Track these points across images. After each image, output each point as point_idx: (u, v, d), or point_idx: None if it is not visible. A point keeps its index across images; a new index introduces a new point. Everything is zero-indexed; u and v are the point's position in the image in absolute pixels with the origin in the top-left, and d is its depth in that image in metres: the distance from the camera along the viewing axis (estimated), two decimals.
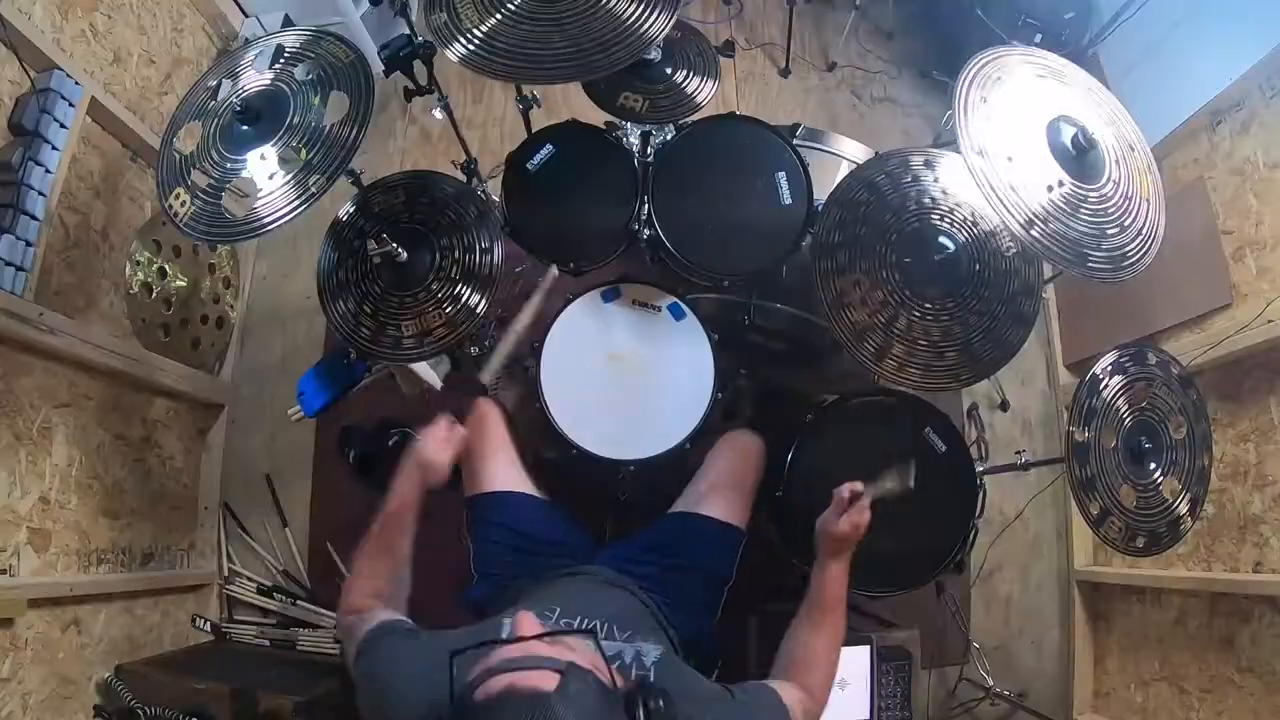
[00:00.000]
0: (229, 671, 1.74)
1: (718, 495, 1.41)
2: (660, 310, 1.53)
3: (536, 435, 1.53)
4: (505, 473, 1.41)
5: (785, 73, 2.66)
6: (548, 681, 0.73)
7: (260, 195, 1.26)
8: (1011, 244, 1.39)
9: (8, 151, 1.52)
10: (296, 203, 1.24)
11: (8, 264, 1.47)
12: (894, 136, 2.61)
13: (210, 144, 1.32)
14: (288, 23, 2.33)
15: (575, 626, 1.02)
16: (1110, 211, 1.29)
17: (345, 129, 1.27)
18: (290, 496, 2.18)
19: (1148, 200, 1.33)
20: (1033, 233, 1.21)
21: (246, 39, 2.30)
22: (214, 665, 1.83)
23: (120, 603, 1.76)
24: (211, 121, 1.34)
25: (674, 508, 1.43)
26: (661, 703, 0.77)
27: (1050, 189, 1.24)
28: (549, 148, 1.54)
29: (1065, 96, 1.34)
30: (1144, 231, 1.31)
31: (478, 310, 1.37)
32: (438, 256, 1.40)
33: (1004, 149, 1.24)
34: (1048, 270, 1.43)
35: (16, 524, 1.50)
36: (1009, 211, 1.20)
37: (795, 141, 1.57)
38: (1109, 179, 1.30)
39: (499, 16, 1.28)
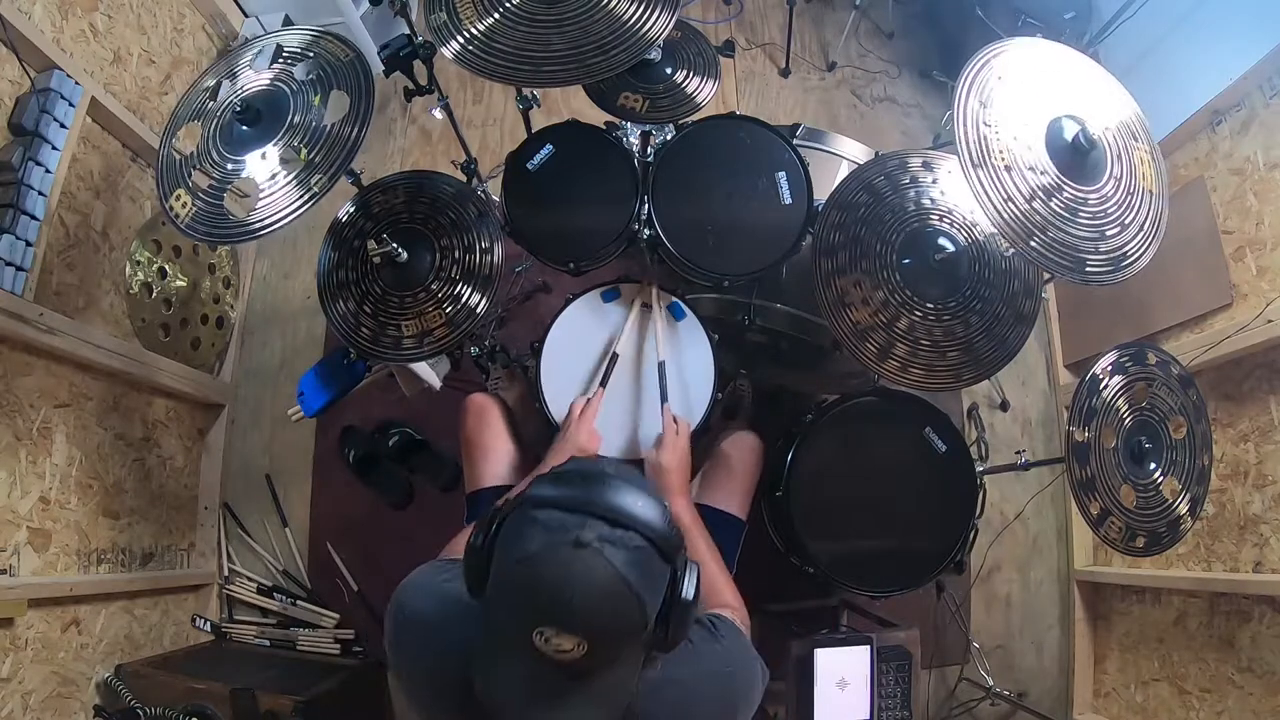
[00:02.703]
0: (229, 671, 1.74)
1: (718, 486, 1.41)
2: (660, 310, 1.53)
3: (535, 434, 1.53)
4: (502, 468, 1.41)
5: (785, 73, 2.66)
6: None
7: (261, 195, 1.26)
8: (1010, 245, 1.39)
9: (8, 151, 1.53)
10: (297, 203, 1.24)
11: (8, 264, 1.48)
12: (894, 136, 2.61)
13: (211, 145, 1.32)
14: (288, 23, 2.33)
15: None
16: (1110, 211, 1.27)
17: (346, 128, 1.27)
18: (290, 496, 2.18)
19: (1150, 192, 1.31)
20: (1032, 244, 1.19)
21: (246, 39, 2.31)
22: (214, 665, 1.84)
23: (120, 603, 1.76)
24: (211, 122, 1.34)
25: None
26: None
27: (1050, 196, 1.23)
28: (549, 148, 1.54)
29: (1065, 89, 1.32)
30: (1146, 226, 1.29)
31: (478, 310, 1.37)
32: (438, 256, 1.40)
33: (1001, 157, 1.22)
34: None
35: (16, 524, 1.50)
36: (1007, 224, 1.19)
37: (795, 141, 1.57)
38: (1110, 176, 1.28)
39: (497, 15, 1.28)
